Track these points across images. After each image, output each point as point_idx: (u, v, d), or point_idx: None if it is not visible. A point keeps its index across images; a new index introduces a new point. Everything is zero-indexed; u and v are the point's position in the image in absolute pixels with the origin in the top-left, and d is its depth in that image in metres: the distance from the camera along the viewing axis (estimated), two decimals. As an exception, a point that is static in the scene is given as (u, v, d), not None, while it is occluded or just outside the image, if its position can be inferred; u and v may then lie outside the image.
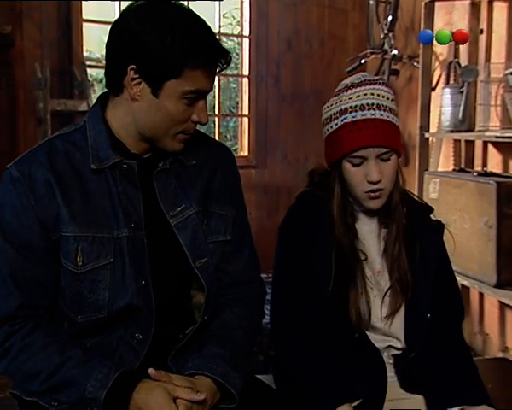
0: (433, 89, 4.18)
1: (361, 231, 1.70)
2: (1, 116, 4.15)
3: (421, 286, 1.68)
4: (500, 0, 3.66)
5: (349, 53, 5.14)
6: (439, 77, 4.20)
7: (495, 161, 3.69)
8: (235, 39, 6.38)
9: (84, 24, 4.55)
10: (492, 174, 3.31)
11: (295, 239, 1.68)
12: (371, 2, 4.72)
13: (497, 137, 3.35)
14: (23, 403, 1.51)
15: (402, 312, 1.70)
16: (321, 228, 1.66)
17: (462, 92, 3.69)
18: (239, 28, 5.57)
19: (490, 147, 3.75)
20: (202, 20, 1.49)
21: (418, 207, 1.76)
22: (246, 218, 1.71)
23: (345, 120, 1.60)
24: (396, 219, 1.68)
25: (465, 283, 3.40)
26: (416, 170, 4.08)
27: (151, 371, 1.41)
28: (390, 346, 1.71)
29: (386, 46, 4.51)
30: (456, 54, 3.96)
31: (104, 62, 1.53)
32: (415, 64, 4.37)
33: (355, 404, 1.57)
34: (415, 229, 1.70)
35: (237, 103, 5.94)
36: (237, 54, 5.57)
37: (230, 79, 6.51)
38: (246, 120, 5.32)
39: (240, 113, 5.50)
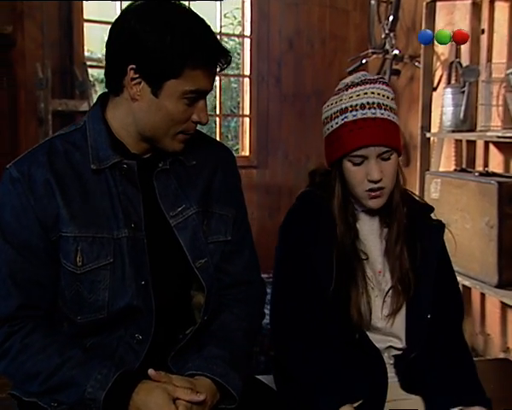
0: (435, 89, 4.18)
1: (362, 230, 1.70)
2: (2, 116, 4.15)
3: (422, 286, 1.68)
4: (501, 0, 3.65)
5: (350, 53, 5.13)
6: (441, 77, 4.19)
7: (496, 161, 3.69)
8: (236, 39, 6.38)
9: (86, 24, 4.55)
10: (494, 174, 3.31)
11: (295, 239, 1.68)
12: (372, 2, 4.72)
13: (499, 137, 3.34)
14: (22, 404, 1.50)
15: (403, 311, 1.69)
16: (321, 228, 1.66)
17: (463, 92, 3.69)
18: (240, 28, 5.56)
19: (491, 147, 3.75)
20: (202, 20, 1.48)
21: (419, 207, 1.75)
22: (246, 218, 1.71)
23: (345, 119, 1.60)
24: (397, 219, 1.68)
25: (466, 283, 3.40)
26: (418, 170, 4.08)
27: (151, 371, 1.41)
28: (391, 346, 1.71)
29: (387, 46, 4.51)
30: (458, 54, 3.95)
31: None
32: (416, 64, 4.37)
33: (356, 405, 1.56)
34: (415, 228, 1.70)
35: (238, 103, 5.93)
36: (238, 54, 5.57)
37: (232, 78, 6.50)
38: (247, 120, 5.32)
39: (241, 113, 5.50)
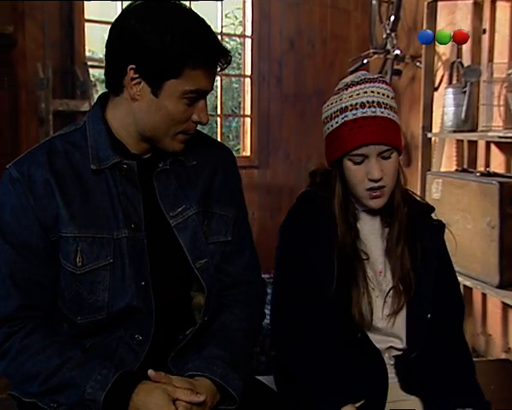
0: (436, 89, 4.18)
1: (363, 230, 1.70)
2: (3, 116, 4.15)
3: (422, 286, 1.68)
4: (503, 0, 3.65)
5: (351, 53, 5.13)
6: (442, 77, 4.19)
7: (498, 162, 3.69)
8: (237, 39, 6.39)
9: (87, 24, 4.55)
10: (495, 174, 3.30)
11: (295, 239, 1.68)
12: (374, 2, 4.71)
13: (500, 137, 3.34)
14: (22, 404, 1.50)
15: (404, 311, 1.69)
16: (322, 228, 1.66)
17: (464, 92, 3.68)
18: (241, 28, 5.56)
19: (493, 147, 3.74)
20: (202, 20, 1.48)
21: (419, 207, 1.75)
22: (246, 218, 1.70)
23: (345, 118, 1.60)
24: (398, 219, 1.67)
25: (468, 283, 3.39)
26: (419, 170, 4.08)
27: (150, 372, 1.41)
28: (391, 347, 1.70)
29: (388, 46, 4.51)
30: (459, 54, 3.95)
31: (107, 63, 1.53)
32: (417, 64, 4.36)
33: (358, 405, 1.56)
34: (416, 228, 1.70)
35: (239, 103, 5.93)
36: (239, 54, 5.57)
37: (233, 79, 6.50)
38: (248, 120, 5.31)
39: (242, 113, 5.50)
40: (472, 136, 3.72)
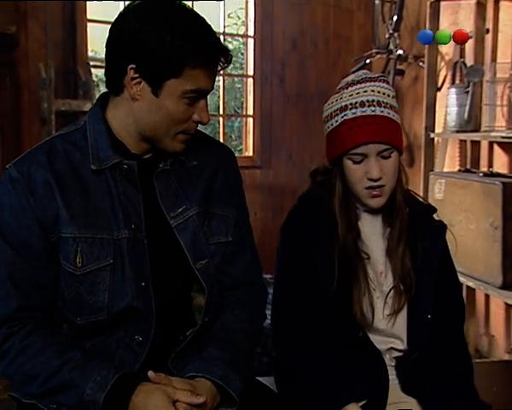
0: (439, 89, 4.17)
1: (364, 230, 1.69)
2: (5, 116, 4.15)
3: (423, 286, 1.67)
4: (506, 0, 3.64)
5: (354, 53, 5.13)
6: (445, 77, 4.18)
7: (501, 162, 3.68)
8: (239, 39, 6.38)
9: (89, 24, 4.56)
10: (498, 175, 3.30)
11: (296, 239, 1.67)
12: (377, 1, 4.71)
13: (503, 137, 3.33)
14: (22, 405, 1.50)
15: (404, 312, 1.69)
16: (322, 227, 1.65)
17: (467, 92, 3.67)
18: (244, 28, 5.56)
19: (496, 147, 3.74)
20: (203, 19, 1.47)
21: (421, 207, 1.75)
22: (247, 219, 1.70)
23: (345, 117, 1.60)
24: (399, 218, 1.67)
25: (471, 284, 3.39)
26: (422, 170, 4.07)
27: (150, 373, 1.40)
28: (392, 348, 1.69)
29: (391, 46, 4.50)
30: (462, 54, 3.94)
31: (109, 63, 1.52)
32: (420, 64, 4.36)
33: (361, 404, 1.55)
34: (417, 229, 1.69)
35: (242, 103, 5.93)
36: (242, 54, 5.58)
37: (235, 79, 6.50)
38: (250, 120, 5.31)
39: (244, 113, 5.50)
40: (475, 136, 3.72)
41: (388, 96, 1.61)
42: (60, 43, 4.39)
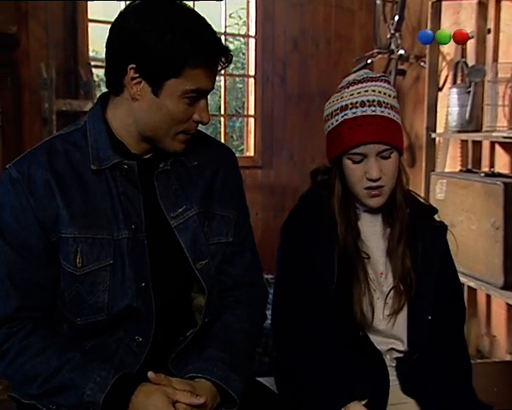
0: (440, 89, 4.17)
1: (363, 231, 1.69)
2: (6, 116, 4.15)
3: (423, 287, 1.67)
4: (508, 0, 3.63)
5: (355, 53, 5.12)
6: (446, 77, 4.18)
7: (502, 162, 3.67)
8: (241, 39, 6.38)
9: (90, 24, 4.56)
10: (500, 175, 3.29)
11: (296, 239, 1.67)
12: (378, 1, 4.71)
13: (505, 137, 3.33)
14: (21, 406, 1.49)
15: (404, 313, 1.68)
16: (322, 227, 1.65)
17: (469, 92, 3.67)
18: (245, 28, 5.56)
19: (497, 147, 3.73)
20: (203, 19, 1.47)
21: (422, 208, 1.74)
22: (248, 219, 1.69)
23: (345, 117, 1.59)
24: (400, 219, 1.66)
25: (472, 284, 3.38)
26: (423, 170, 4.07)
27: (150, 374, 1.40)
28: (392, 348, 1.69)
29: (392, 46, 4.50)
30: (464, 54, 3.94)
31: (110, 63, 1.51)
32: (422, 64, 4.35)
33: (364, 402, 1.55)
34: (418, 229, 1.69)
35: (243, 103, 5.93)
36: (243, 54, 5.57)
37: (236, 79, 6.50)
38: (252, 120, 5.31)
39: (246, 113, 5.49)
40: (476, 136, 3.71)
41: (389, 96, 1.61)
42: (61, 43, 4.39)
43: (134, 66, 1.43)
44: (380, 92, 1.60)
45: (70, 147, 1.50)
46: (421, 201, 1.79)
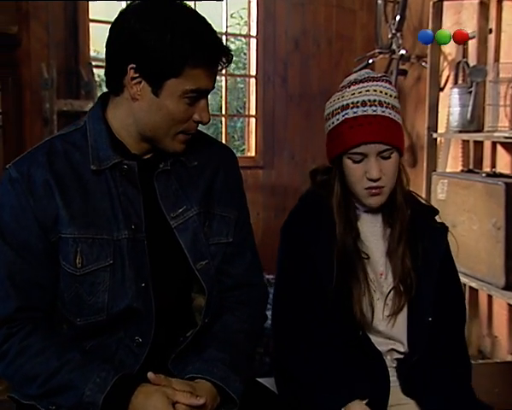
0: (442, 89, 4.16)
1: (363, 231, 1.68)
2: (7, 116, 4.15)
3: (423, 288, 1.67)
4: (509, 0, 3.63)
5: (357, 53, 5.12)
6: (448, 77, 4.17)
7: (504, 162, 3.67)
8: (242, 39, 6.38)
9: (91, 24, 4.55)
10: (501, 175, 3.29)
11: (296, 239, 1.67)
12: (379, 1, 4.70)
13: (506, 137, 3.32)
14: (21, 407, 1.49)
15: (405, 314, 1.68)
16: (322, 227, 1.65)
17: (470, 92, 3.66)
18: (246, 28, 5.56)
19: (499, 147, 3.72)
20: (203, 19, 1.46)
21: (423, 209, 1.74)
22: (248, 220, 1.69)
23: (346, 116, 1.59)
24: (400, 219, 1.66)
25: (473, 285, 3.38)
26: (424, 171, 4.06)
27: (150, 375, 1.39)
28: (393, 349, 1.69)
29: (394, 46, 4.49)
30: (465, 54, 3.93)
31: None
32: (423, 64, 4.35)
33: (365, 401, 1.55)
34: (418, 230, 1.68)
35: (244, 104, 5.93)
36: (245, 54, 5.57)
37: (238, 79, 6.50)
38: (253, 120, 5.30)
39: (247, 113, 5.49)
40: (478, 136, 3.70)
41: (390, 96, 1.61)
42: (62, 43, 4.39)
43: (134, 66, 1.42)
44: (381, 92, 1.59)
45: (70, 147, 1.50)
46: (422, 202, 1.78)
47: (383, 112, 1.57)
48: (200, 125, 1.54)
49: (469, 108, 3.65)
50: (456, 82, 3.98)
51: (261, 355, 3.25)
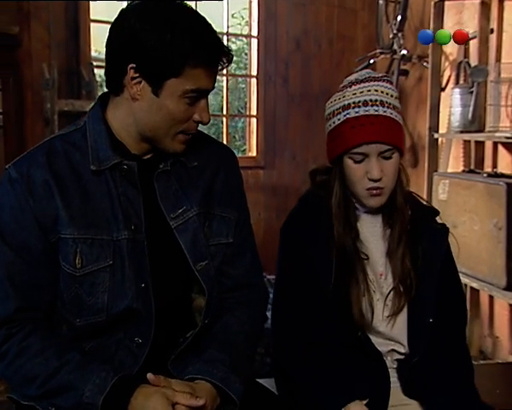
0: (443, 89, 4.16)
1: (363, 231, 1.68)
2: (8, 117, 4.15)
3: (424, 289, 1.66)
4: (511, 0, 3.62)
5: (358, 53, 5.11)
6: (449, 77, 4.17)
7: (505, 162, 3.66)
8: (243, 39, 6.38)
9: (92, 24, 4.55)
10: (502, 175, 3.28)
11: (295, 240, 1.67)
12: (381, 1, 4.70)
13: (508, 137, 3.32)
14: (20, 407, 1.49)
15: (405, 315, 1.67)
16: (321, 228, 1.65)
17: (471, 92, 3.66)
18: (247, 28, 5.55)
19: (500, 148, 3.72)
20: (203, 18, 1.46)
21: (424, 210, 1.74)
22: (248, 220, 1.68)
23: (347, 116, 1.59)
24: (400, 220, 1.66)
25: (474, 285, 3.37)
26: (425, 171, 4.06)
27: (149, 376, 1.39)
28: (393, 350, 1.68)
29: (395, 46, 4.49)
30: (466, 54, 3.93)
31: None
32: (424, 64, 4.34)
33: (365, 402, 1.55)
34: (419, 231, 1.68)
35: (246, 104, 5.92)
36: (246, 54, 5.56)
37: (239, 79, 6.50)
38: (254, 120, 5.30)
39: (248, 113, 5.48)
40: (479, 136, 3.70)
41: (391, 96, 1.60)
42: (63, 43, 4.38)
43: (134, 65, 1.42)
44: (382, 92, 1.59)
45: (70, 147, 1.50)
46: (423, 202, 1.78)
47: (385, 112, 1.57)
48: (200, 125, 1.54)
49: (471, 109, 3.65)
50: (457, 82, 3.98)
51: (262, 356, 3.25)
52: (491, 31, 3.71)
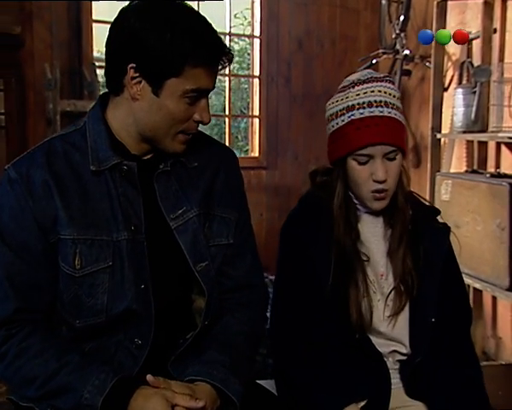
0: (446, 89, 4.14)
1: (363, 232, 1.67)
2: (11, 117, 4.14)
3: (425, 288, 1.65)
4: (514, -1, 3.61)
5: (361, 53, 5.10)
6: (452, 77, 4.16)
7: (508, 162, 3.65)
8: (246, 39, 6.38)
9: (94, 24, 4.55)
10: (505, 176, 3.26)
11: (294, 241, 1.66)
12: (383, 1, 4.69)
13: (510, 138, 3.30)
14: (19, 409, 1.48)
15: (406, 315, 1.67)
16: (321, 228, 1.64)
17: (474, 92, 3.64)
18: (250, 28, 5.55)
19: (503, 148, 3.70)
20: (203, 18, 1.46)
21: (424, 210, 1.73)
22: (249, 221, 1.68)
23: (352, 117, 1.58)
24: (401, 220, 1.65)
25: (477, 286, 3.36)
26: (428, 171, 4.04)
27: (149, 377, 1.38)
28: (395, 351, 1.68)
29: (398, 46, 4.48)
30: (469, 54, 3.91)
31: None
32: (427, 64, 4.33)
33: (362, 404, 1.54)
34: (419, 231, 1.67)
35: (248, 104, 5.92)
36: (248, 54, 5.56)
37: (241, 79, 6.50)
38: (256, 120, 5.29)
39: (251, 113, 5.48)
40: (482, 136, 3.68)
41: (394, 96, 1.60)
42: (65, 43, 4.38)
43: (134, 65, 1.42)
44: (385, 93, 1.58)
45: (69, 148, 1.49)
46: (424, 202, 1.77)
47: (389, 113, 1.56)
48: (201, 125, 1.53)
49: (473, 109, 3.63)
50: (460, 82, 3.97)
51: (264, 357, 3.24)
52: (494, 31, 3.70)
